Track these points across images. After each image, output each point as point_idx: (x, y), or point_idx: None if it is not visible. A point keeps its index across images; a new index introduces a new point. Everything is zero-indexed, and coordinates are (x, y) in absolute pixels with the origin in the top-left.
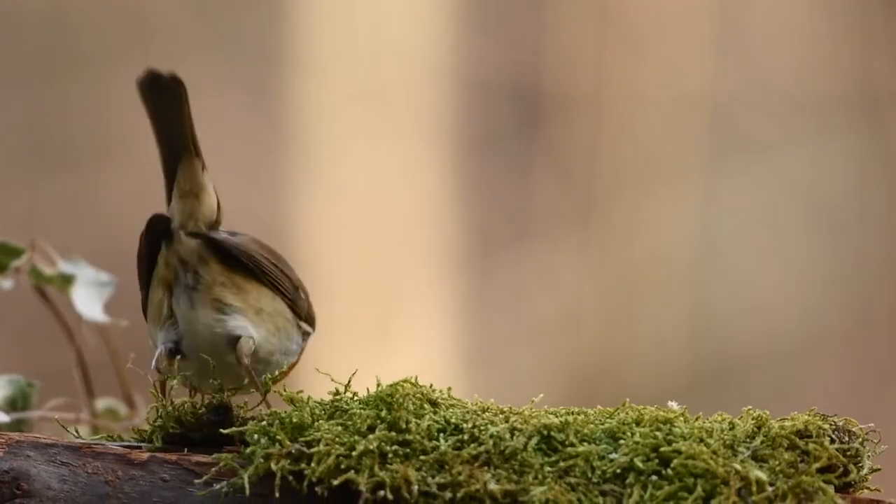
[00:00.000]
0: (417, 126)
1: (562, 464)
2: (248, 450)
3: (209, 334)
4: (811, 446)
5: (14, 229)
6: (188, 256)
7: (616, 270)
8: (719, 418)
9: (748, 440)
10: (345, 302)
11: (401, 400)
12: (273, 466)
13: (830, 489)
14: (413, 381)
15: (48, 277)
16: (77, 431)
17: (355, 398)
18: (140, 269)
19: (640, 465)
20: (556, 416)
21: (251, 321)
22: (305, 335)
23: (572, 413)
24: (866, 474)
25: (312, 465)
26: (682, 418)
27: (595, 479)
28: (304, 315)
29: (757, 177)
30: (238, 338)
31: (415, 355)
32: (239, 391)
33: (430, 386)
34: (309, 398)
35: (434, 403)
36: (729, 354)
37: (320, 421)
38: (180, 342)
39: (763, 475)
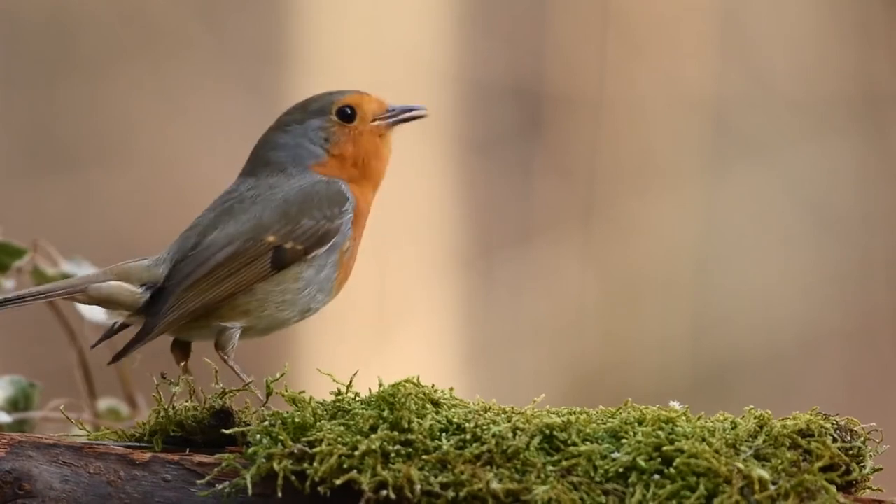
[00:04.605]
0: (419, 126)
1: (564, 463)
2: (251, 450)
3: None
4: (813, 445)
5: (16, 230)
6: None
7: (618, 271)
8: (721, 418)
9: (750, 439)
10: (346, 302)
11: (403, 400)
12: (275, 467)
13: (832, 488)
14: (415, 381)
15: (50, 277)
16: (83, 426)
17: (357, 398)
18: None
19: (642, 464)
20: (559, 416)
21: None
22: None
23: (574, 413)
24: (868, 473)
25: (315, 464)
26: (684, 418)
27: (597, 479)
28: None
29: (758, 177)
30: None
31: (416, 355)
32: (238, 391)
33: (432, 386)
34: (311, 398)
35: (436, 403)
36: (731, 354)
37: (322, 421)
38: None
39: (765, 474)
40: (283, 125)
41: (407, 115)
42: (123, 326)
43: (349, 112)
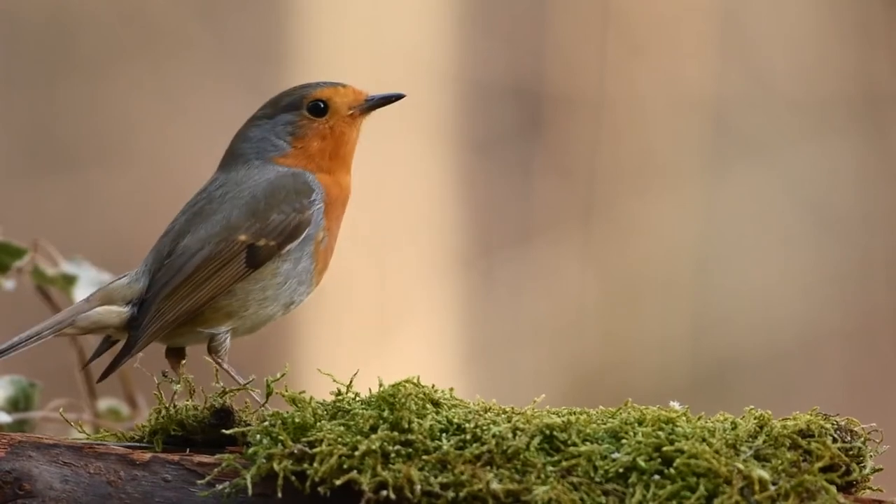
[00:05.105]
0: (419, 127)
1: (564, 463)
2: (251, 450)
3: None
4: (813, 445)
5: (16, 230)
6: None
7: (618, 271)
8: (721, 418)
9: (750, 439)
10: (346, 302)
11: (403, 400)
12: (275, 467)
13: (833, 488)
14: (415, 381)
15: (50, 278)
16: (83, 429)
17: (357, 398)
18: None
19: (642, 464)
20: (559, 416)
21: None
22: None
23: (574, 413)
24: (868, 474)
25: (315, 465)
26: (684, 418)
27: (598, 479)
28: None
29: (758, 177)
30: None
31: (416, 355)
32: (238, 391)
33: (433, 386)
34: (311, 398)
35: (436, 403)
36: (731, 354)
37: (322, 421)
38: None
39: (765, 474)
40: (255, 119)
41: (383, 99)
42: (112, 343)
43: (321, 106)
